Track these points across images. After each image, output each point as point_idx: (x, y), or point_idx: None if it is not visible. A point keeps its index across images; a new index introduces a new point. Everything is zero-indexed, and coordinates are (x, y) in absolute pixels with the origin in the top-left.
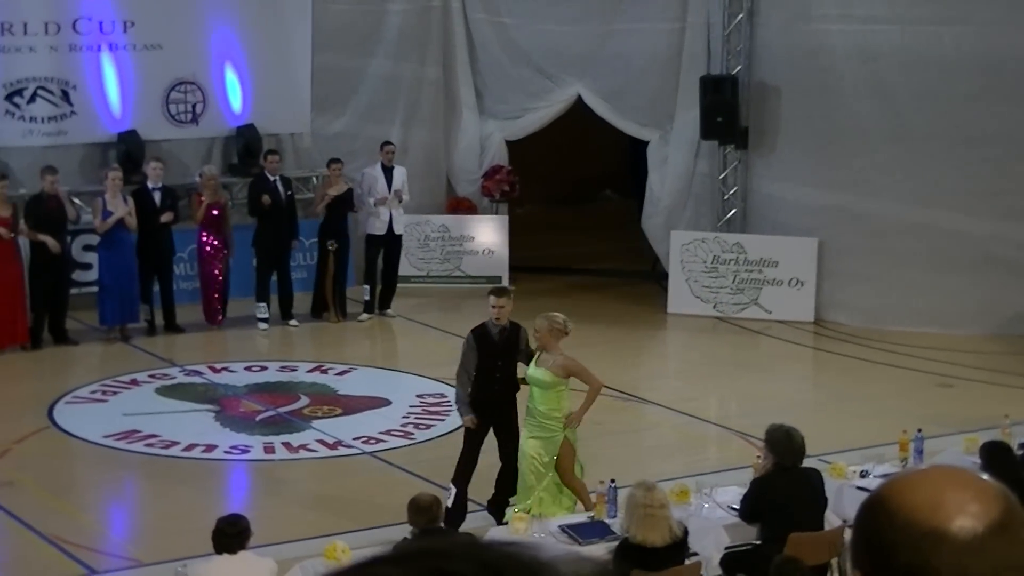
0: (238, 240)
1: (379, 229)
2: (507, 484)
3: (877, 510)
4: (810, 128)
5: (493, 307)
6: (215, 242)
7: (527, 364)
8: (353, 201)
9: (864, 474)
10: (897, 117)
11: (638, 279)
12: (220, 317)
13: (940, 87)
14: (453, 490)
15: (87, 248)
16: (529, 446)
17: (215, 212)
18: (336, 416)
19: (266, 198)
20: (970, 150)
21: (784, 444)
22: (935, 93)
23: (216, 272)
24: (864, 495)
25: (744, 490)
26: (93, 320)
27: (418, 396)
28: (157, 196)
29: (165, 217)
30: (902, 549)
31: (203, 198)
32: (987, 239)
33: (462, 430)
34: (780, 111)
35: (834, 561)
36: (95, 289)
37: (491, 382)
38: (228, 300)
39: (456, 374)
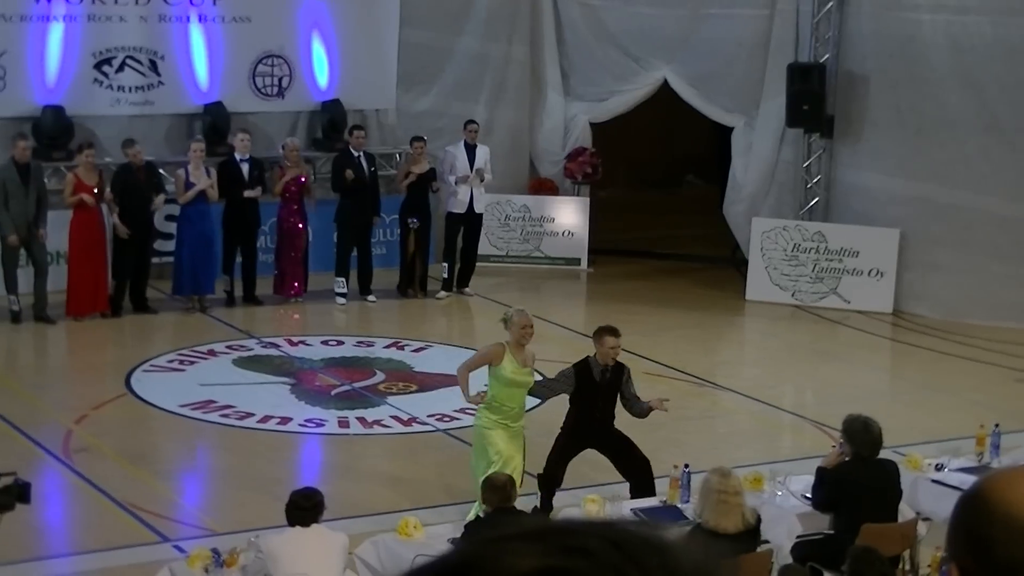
0: (321, 215)
1: (459, 207)
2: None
3: (976, 503)
4: (897, 118)
5: (612, 348)
6: (294, 216)
7: (633, 403)
8: (435, 180)
9: (940, 467)
10: (986, 109)
11: (718, 265)
12: (292, 291)
13: None
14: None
15: (169, 218)
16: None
17: (294, 188)
18: (411, 393)
19: (350, 173)
20: None
21: (862, 434)
22: None
23: (294, 246)
24: (939, 488)
25: (813, 479)
26: (170, 289)
27: None
28: (245, 168)
29: (251, 193)
30: (1002, 544)
31: (285, 171)
32: None
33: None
34: (867, 100)
35: (906, 553)
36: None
37: (591, 421)
38: (308, 275)
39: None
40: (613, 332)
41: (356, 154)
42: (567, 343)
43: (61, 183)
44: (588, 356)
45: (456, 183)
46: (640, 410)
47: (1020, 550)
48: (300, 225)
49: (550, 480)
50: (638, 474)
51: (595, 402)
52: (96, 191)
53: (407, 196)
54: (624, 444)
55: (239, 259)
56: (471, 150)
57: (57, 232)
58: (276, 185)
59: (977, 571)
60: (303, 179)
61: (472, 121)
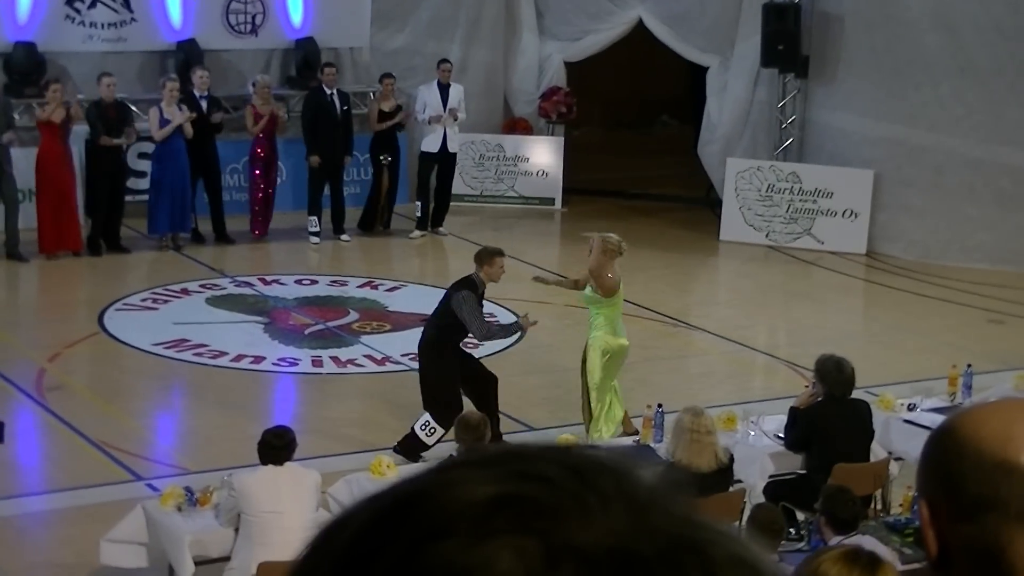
0: (293, 154)
1: (433, 147)
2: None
3: (947, 440)
4: (872, 59)
5: (503, 268)
6: (262, 152)
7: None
8: (401, 116)
9: (912, 407)
10: (961, 51)
11: (692, 205)
12: (258, 231)
13: (1007, 21)
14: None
15: (142, 156)
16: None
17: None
18: (385, 332)
19: (315, 159)
20: None
21: (834, 374)
22: (1001, 27)
23: (261, 183)
24: (911, 428)
25: (785, 418)
26: (145, 228)
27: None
28: (204, 104)
29: (216, 117)
30: (972, 479)
31: (256, 108)
32: None
33: (512, 350)
34: (842, 41)
35: (878, 492)
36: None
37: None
38: (272, 213)
39: (478, 327)
40: (502, 252)
41: (328, 92)
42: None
43: (33, 120)
44: (471, 276)
45: (429, 122)
46: None
47: (989, 487)
48: (271, 163)
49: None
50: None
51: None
52: (63, 129)
53: (377, 133)
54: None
55: (205, 199)
56: (444, 89)
57: (30, 169)
58: (252, 126)
59: (946, 507)
60: (275, 116)
61: (445, 60)
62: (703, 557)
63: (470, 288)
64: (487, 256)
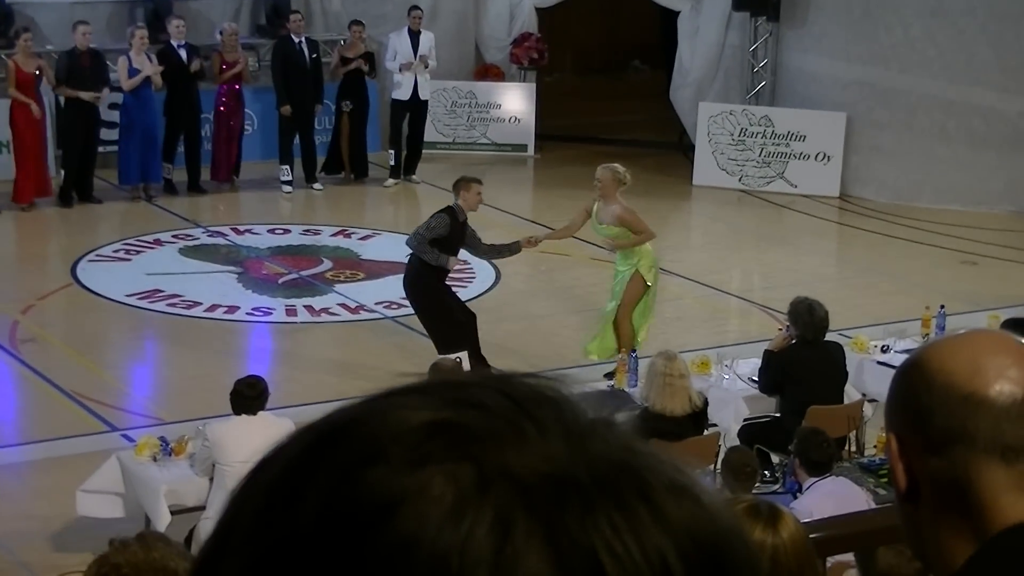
0: (264, 102)
1: (404, 94)
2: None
3: (915, 373)
4: (843, 2)
5: (480, 194)
6: (227, 99)
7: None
8: (373, 65)
9: (885, 349)
10: None
11: (665, 150)
12: (224, 176)
13: None
14: None
15: (112, 107)
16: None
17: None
18: (359, 280)
19: (287, 109)
20: (1005, 27)
21: (807, 317)
22: None
23: (226, 130)
24: (884, 370)
25: (759, 362)
26: (116, 179)
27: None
28: (183, 53)
29: (195, 65)
30: (939, 413)
31: (224, 56)
32: (1018, 117)
33: (487, 296)
34: None
35: (852, 434)
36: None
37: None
38: (240, 162)
39: (418, 241)
40: (479, 180)
41: (297, 40)
42: (513, 229)
43: (1, 71)
44: (451, 206)
45: (400, 70)
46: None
47: (957, 419)
48: (238, 111)
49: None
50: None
51: (457, 249)
52: (35, 80)
53: (342, 80)
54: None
55: (181, 148)
56: (415, 37)
57: (1, 122)
58: (218, 75)
59: (915, 441)
60: (240, 64)
61: (416, 7)
62: (641, 483)
63: (447, 214)
64: (463, 183)
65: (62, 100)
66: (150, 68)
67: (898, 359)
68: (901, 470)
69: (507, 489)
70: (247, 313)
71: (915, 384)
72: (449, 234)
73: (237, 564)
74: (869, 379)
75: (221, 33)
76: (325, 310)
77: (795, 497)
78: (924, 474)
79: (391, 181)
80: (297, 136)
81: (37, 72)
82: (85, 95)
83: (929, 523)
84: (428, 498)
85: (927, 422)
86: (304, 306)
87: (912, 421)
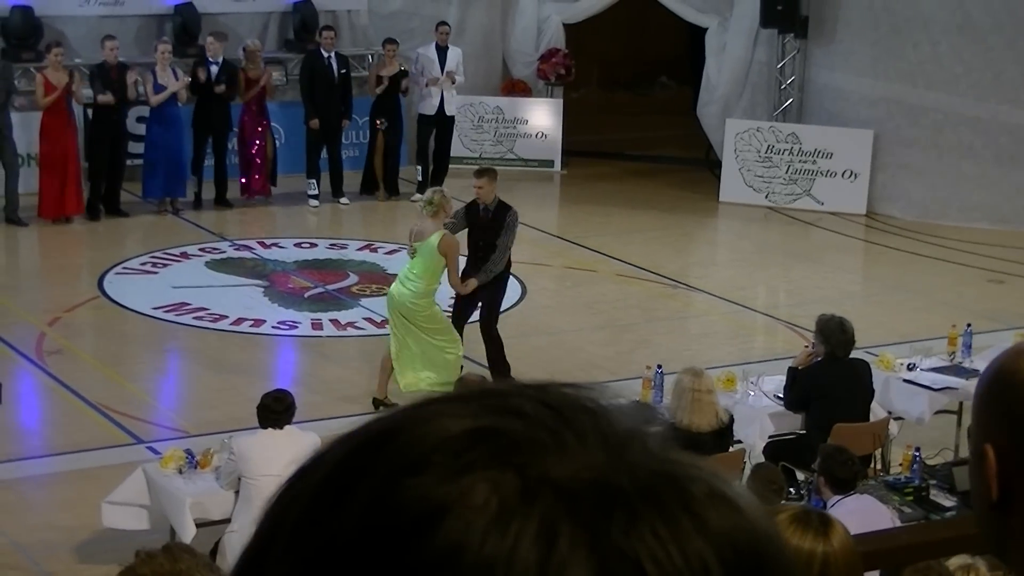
0: (292, 117)
1: (429, 109)
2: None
3: (1016, 385)
4: (871, 18)
5: (474, 187)
6: (248, 117)
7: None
8: (405, 83)
9: (912, 367)
10: (960, 7)
11: (691, 166)
12: (247, 194)
13: None
14: None
15: (140, 120)
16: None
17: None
18: (384, 295)
19: (315, 123)
20: None
21: (835, 334)
22: None
23: (253, 148)
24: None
25: (785, 379)
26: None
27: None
28: (214, 70)
29: (219, 88)
30: None
31: (247, 73)
32: None
33: (513, 311)
34: (841, 0)
35: (878, 452)
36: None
37: (475, 250)
38: (276, 175)
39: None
40: (475, 173)
41: (326, 55)
42: (540, 245)
43: (31, 84)
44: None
45: (426, 85)
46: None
47: None
48: (260, 128)
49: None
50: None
51: (477, 237)
52: (65, 90)
53: (377, 97)
54: (489, 301)
55: (209, 162)
56: (442, 52)
57: (29, 134)
58: (243, 93)
59: (1015, 455)
60: (263, 81)
61: (443, 23)
62: (682, 491)
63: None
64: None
65: (90, 113)
66: (175, 84)
67: (924, 377)
68: (994, 480)
69: (551, 497)
70: (273, 327)
71: (1013, 397)
72: (466, 222)
73: (279, 571)
74: (895, 397)
75: (244, 50)
76: (351, 324)
77: None
78: (1020, 488)
79: (418, 196)
80: (325, 150)
81: (69, 84)
82: (102, 98)
83: (1018, 534)
84: (472, 506)
85: None
86: (330, 320)
87: (1011, 435)
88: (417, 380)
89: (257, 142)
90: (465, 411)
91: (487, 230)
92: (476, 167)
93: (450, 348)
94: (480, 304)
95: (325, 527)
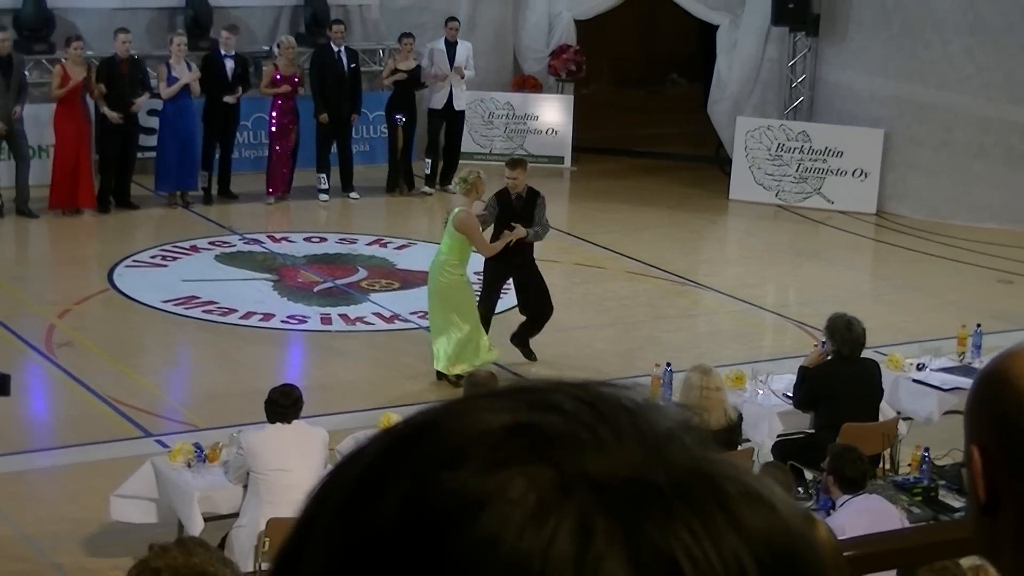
0: (301, 111)
1: (438, 104)
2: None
3: (1004, 387)
4: (883, 17)
5: (507, 177)
6: (278, 115)
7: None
8: (420, 77)
9: (921, 367)
10: (972, 8)
11: (701, 164)
12: (274, 192)
13: None
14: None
15: (151, 113)
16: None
17: (289, 88)
18: (394, 290)
19: (324, 117)
20: None
21: (844, 333)
22: None
23: (279, 147)
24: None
25: (794, 377)
26: (153, 185)
27: (476, 273)
28: (229, 64)
29: (230, 99)
30: None
31: (280, 69)
32: None
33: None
34: None
35: (887, 452)
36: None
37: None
38: (288, 175)
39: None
40: (509, 164)
41: (336, 49)
42: (550, 241)
43: (43, 76)
44: (505, 187)
45: (433, 79)
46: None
47: None
48: (291, 125)
49: (486, 318)
50: (534, 315)
51: (511, 225)
52: (83, 85)
53: (393, 93)
54: (537, 286)
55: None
56: (452, 47)
57: (41, 126)
58: (266, 86)
59: (1000, 458)
60: (296, 79)
61: (453, 18)
62: (718, 490)
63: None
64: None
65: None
66: (188, 76)
67: (934, 377)
68: (982, 482)
69: (588, 493)
70: (282, 321)
71: (1003, 399)
72: (499, 213)
73: (317, 563)
74: (904, 397)
75: (279, 46)
76: (360, 319)
77: (828, 514)
78: (1009, 493)
79: (427, 189)
80: (335, 145)
81: (84, 79)
82: (110, 114)
83: (1007, 539)
84: (510, 500)
85: (1015, 442)
86: (339, 315)
87: (998, 437)
88: (436, 354)
89: (284, 141)
90: (504, 406)
91: (521, 218)
92: (482, 163)
93: (463, 329)
94: (530, 298)
95: (363, 519)
